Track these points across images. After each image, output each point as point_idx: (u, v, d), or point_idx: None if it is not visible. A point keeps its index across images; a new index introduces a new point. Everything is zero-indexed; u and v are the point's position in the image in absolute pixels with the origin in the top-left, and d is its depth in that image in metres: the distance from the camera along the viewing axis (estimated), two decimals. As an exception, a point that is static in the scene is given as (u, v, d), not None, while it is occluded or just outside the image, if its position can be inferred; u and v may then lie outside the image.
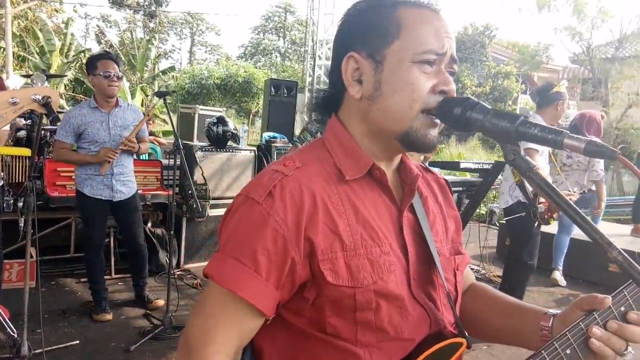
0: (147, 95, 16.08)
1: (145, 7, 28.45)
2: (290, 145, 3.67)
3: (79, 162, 3.31)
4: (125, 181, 3.43)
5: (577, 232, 5.54)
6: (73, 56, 15.67)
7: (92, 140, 3.25)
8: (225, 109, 8.71)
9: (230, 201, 3.90)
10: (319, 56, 10.15)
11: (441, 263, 0.88)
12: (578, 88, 18.26)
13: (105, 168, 3.26)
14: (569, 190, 4.18)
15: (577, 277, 5.21)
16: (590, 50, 12.65)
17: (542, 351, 0.80)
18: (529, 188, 3.59)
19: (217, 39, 59.38)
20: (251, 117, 19.11)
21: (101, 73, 3.20)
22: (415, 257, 0.85)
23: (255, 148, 5.32)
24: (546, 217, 3.74)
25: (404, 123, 0.81)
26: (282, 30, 32.98)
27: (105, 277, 4.05)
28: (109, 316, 3.43)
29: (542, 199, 3.68)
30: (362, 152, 0.85)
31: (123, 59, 17.10)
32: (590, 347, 0.79)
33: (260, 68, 23.47)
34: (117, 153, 3.27)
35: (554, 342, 0.80)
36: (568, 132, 0.69)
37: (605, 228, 5.43)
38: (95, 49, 20.69)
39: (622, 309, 0.82)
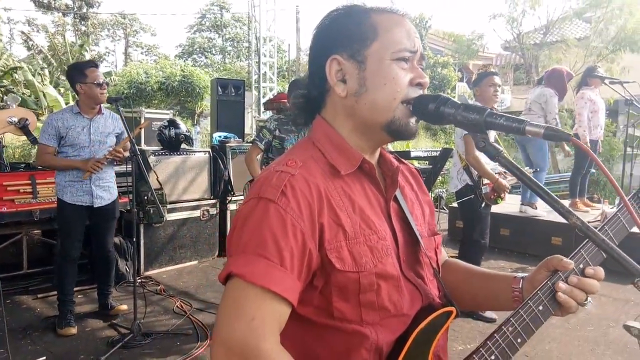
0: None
1: (75, 9, 27.17)
2: (251, 143, 3.69)
3: (66, 167, 3.30)
4: (106, 187, 3.43)
5: (518, 211, 5.92)
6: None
7: (72, 144, 3.30)
8: (171, 111, 8.53)
9: (189, 204, 3.94)
10: (263, 54, 10.13)
11: (424, 244, 0.99)
12: (511, 74, 19.20)
13: (88, 175, 3.30)
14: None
15: (524, 252, 5.56)
16: (520, 37, 13.34)
17: (520, 310, 0.93)
18: (474, 172, 3.82)
19: (153, 39, 57.55)
20: (196, 117, 18.76)
21: (93, 82, 3.28)
22: (403, 240, 0.95)
23: (209, 149, 5.29)
24: (492, 197, 3.98)
25: (387, 113, 0.91)
26: (219, 28, 32.50)
27: (65, 290, 3.95)
28: (74, 330, 3.36)
29: (486, 181, 3.92)
30: (352, 148, 0.94)
31: (55, 64, 16.33)
32: (557, 300, 0.92)
33: (200, 67, 23.02)
34: (103, 164, 3.30)
35: (529, 301, 0.93)
36: (528, 120, 0.80)
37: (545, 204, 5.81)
38: (24, 54, 19.58)
39: (581, 266, 0.95)
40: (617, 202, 5.88)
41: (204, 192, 5.14)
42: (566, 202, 6.22)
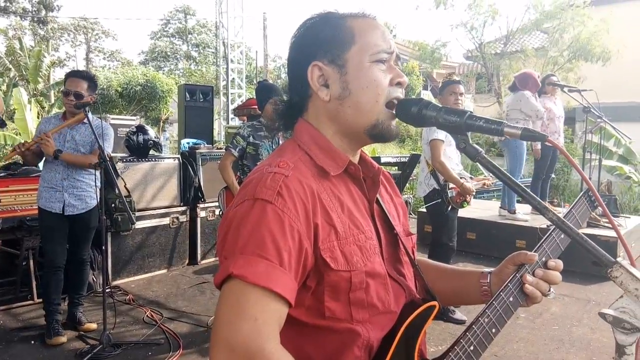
0: (43, 108, 14.94)
1: (34, 12, 26.36)
2: (225, 150, 3.67)
3: (33, 157, 3.37)
4: (79, 195, 3.38)
5: (486, 216, 6.09)
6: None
7: None
8: (138, 117, 8.38)
9: (158, 211, 3.88)
10: (231, 60, 10.08)
11: (403, 243, 1.03)
12: (473, 83, 19.75)
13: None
14: (485, 175, 4.59)
15: (489, 255, 5.71)
16: (482, 47, 13.76)
17: (493, 302, 0.98)
18: (441, 176, 3.92)
19: (115, 44, 56.35)
20: (161, 124, 18.46)
21: (62, 90, 3.40)
22: (385, 240, 0.99)
23: (179, 156, 5.23)
24: (458, 201, 4.09)
25: (372, 116, 0.94)
26: (184, 33, 32.17)
27: (28, 302, 3.84)
28: (63, 338, 3.31)
29: (452, 185, 4.03)
30: (338, 150, 0.96)
31: (12, 69, 15.78)
32: (525, 292, 0.99)
33: (165, 73, 22.68)
34: (49, 138, 3.23)
35: (501, 293, 0.99)
36: (506, 122, 0.85)
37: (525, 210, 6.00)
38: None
39: (544, 259, 1.03)
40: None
41: (174, 199, 5.07)
42: (528, 207, 6.45)
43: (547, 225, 5.40)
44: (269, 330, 0.77)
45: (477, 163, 0.89)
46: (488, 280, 1.06)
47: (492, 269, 1.08)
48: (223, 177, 3.51)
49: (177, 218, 5.05)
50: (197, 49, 31.19)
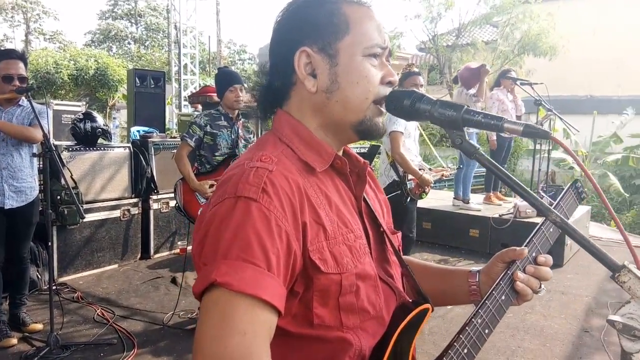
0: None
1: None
2: (180, 140, 3.50)
3: None
4: (20, 187, 3.11)
5: (441, 206, 6.19)
6: None
7: None
8: (83, 103, 7.95)
9: (107, 203, 3.66)
10: (184, 45, 9.74)
11: (389, 241, 0.97)
12: (426, 74, 20.09)
13: None
14: (443, 166, 4.63)
15: (445, 244, 5.82)
16: (435, 39, 13.97)
17: (486, 301, 0.93)
18: (400, 168, 3.93)
19: (56, 24, 53.40)
20: (108, 110, 17.68)
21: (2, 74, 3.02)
22: (373, 238, 0.92)
23: (130, 145, 4.98)
24: (417, 192, 4.13)
25: (359, 113, 0.87)
26: (133, 16, 30.91)
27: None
28: (14, 340, 3.10)
29: (411, 177, 4.06)
30: (324, 144, 0.88)
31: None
32: (515, 289, 0.94)
33: (113, 56, 21.71)
34: None
35: (493, 292, 0.94)
36: (506, 118, 0.80)
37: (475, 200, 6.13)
38: None
39: (534, 254, 0.99)
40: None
41: (124, 190, 4.84)
42: (481, 196, 6.62)
43: (500, 215, 5.57)
44: (259, 345, 0.69)
45: (474, 159, 0.84)
46: (477, 280, 1.02)
47: (479, 268, 1.04)
48: (179, 168, 3.35)
49: (128, 210, 4.82)
50: (146, 32, 30.03)
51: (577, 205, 1.08)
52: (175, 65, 10.12)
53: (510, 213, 5.52)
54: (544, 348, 3.29)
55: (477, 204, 6.07)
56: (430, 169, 4.27)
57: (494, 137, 6.09)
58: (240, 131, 3.41)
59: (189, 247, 4.28)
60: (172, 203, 5.09)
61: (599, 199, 8.87)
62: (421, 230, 5.76)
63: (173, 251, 5.25)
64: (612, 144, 10.75)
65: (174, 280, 4.40)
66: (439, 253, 5.54)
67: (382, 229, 0.97)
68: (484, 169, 6.74)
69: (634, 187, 9.56)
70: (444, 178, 4.46)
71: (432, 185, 4.12)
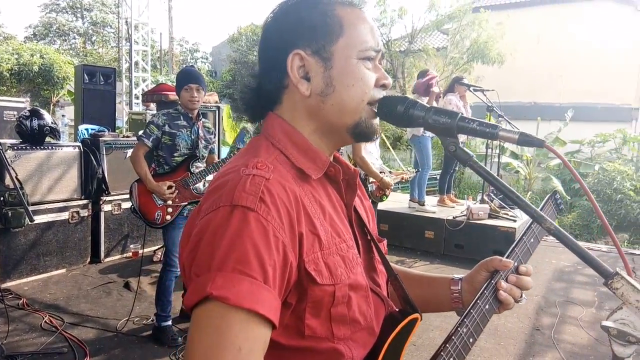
0: None
1: None
2: (137, 140, 3.37)
3: None
4: None
5: (397, 208, 6.29)
6: None
7: None
8: (27, 99, 7.52)
9: (55, 205, 3.50)
10: (135, 41, 9.41)
11: (377, 250, 0.96)
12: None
13: None
14: (403, 169, 4.71)
15: (401, 245, 5.92)
16: (389, 44, 14.23)
17: (471, 310, 0.93)
18: (361, 171, 3.97)
19: (-6, 16, 50.21)
20: (51, 107, 16.84)
21: None
22: (362, 247, 0.91)
23: (80, 144, 4.75)
24: (378, 195, 4.19)
25: (355, 115, 0.86)
26: (78, 10, 29.62)
27: None
28: None
29: (372, 179, 4.11)
30: (318, 150, 0.86)
31: None
32: (499, 298, 0.95)
33: (57, 51, 20.72)
34: None
35: (478, 301, 0.95)
36: (501, 126, 0.81)
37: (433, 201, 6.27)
38: None
39: (515, 264, 1.00)
40: (479, 197, 6.54)
41: (73, 191, 4.61)
42: (435, 198, 6.79)
43: (454, 217, 5.72)
44: None
45: (468, 167, 0.84)
46: (459, 287, 1.02)
47: (462, 276, 1.04)
48: (135, 169, 3.22)
49: (78, 212, 4.59)
50: (94, 27, 28.82)
51: (556, 216, 1.11)
52: (126, 62, 9.74)
53: (464, 215, 5.68)
54: (499, 347, 3.40)
55: (432, 206, 6.20)
56: (390, 172, 4.34)
57: None
58: (200, 131, 3.32)
59: (141, 251, 4.13)
60: (125, 205, 4.91)
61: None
62: (378, 232, 5.81)
63: (125, 255, 5.06)
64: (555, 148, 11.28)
65: (127, 285, 4.24)
66: (396, 254, 5.62)
67: (369, 237, 0.96)
68: (438, 172, 6.91)
69: (574, 190, 10.09)
70: (404, 181, 4.53)
71: (392, 188, 4.18)
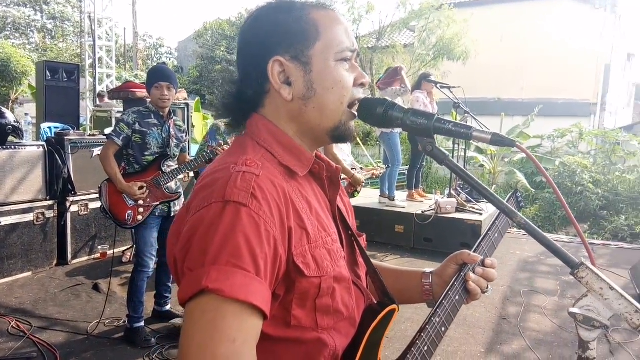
0: None
1: None
2: (106, 138, 3.30)
3: None
4: None
5: (368, 203, 6.37)
6: None
7: None
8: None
9: (19, 207, 3.44)
10: (99, 36, 9.17)
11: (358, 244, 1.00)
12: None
13: None
14: (373, 165, 4.77)
15: (371, 240, 5.99)
16: (357, 40, 14.31)
17: (443, 301, 0.99)
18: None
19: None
20: (10, 104, 16.24)
21: None
22: (345, 241, 0.95)
23: (44, 143, 4.62)
24: (349, 191, 4.24)
25: (335, 118, 0.89)
26: (37, 3, 28.58)
27: None
28: None
29: (343, 176, 4.15)
30: (303, 149, 0.90)
31: None
32: (468, 289, 1.02)
33: (14, 47, 19.98)
34: None
35: (449, 292, 1.00)
36: (474, 127, 0.86)
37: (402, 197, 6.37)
38: None
39: (482, 257, 1.07)
40: (446, 192, 6.69)
41: (38, 192, 4.48)
42: (404, 193, 6.90)
43: (423, 211, 5.84)
44: (247, 351, 0.70)
45: (444, 166, 0.89)
46: (430, 281, 1.08)
47: (432, 270, 1.10)
48: (105, 169, 3.16)
49: (43, 213, 4.47)
50: (53, 21, 27.87)
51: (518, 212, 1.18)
52: (89, 58, 9.49)
53: (432, 209, 5.81)
54: (468, 336, 3.51)
55: (401, 201, 6.31)
56: (362, 168, 4.39)
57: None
58: (171, 130, 3.29)
59: (110, 252, 4.06)
60: (92, 205, 4.80)
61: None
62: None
63: (93, 256, 4.95)
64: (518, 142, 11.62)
65: (96, 287, 4.16)
66: (368, 249, 5.51)
67: (350, 232, 1.00)
68: (407, 167, 7.02)
69: (536, 183, 10.43)
70: (375, 177, 4.59)
71: (363, 184, 4.24)
